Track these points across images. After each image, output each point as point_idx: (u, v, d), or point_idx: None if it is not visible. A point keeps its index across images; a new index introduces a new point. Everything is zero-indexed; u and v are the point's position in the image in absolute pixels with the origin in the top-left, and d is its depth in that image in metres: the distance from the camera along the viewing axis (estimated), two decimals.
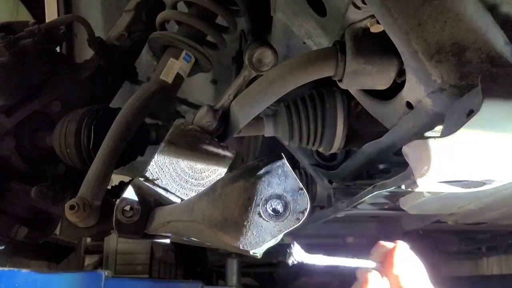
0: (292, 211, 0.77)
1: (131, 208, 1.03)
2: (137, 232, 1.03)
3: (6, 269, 1.99)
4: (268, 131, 1.40)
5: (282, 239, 0.82)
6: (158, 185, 1.06)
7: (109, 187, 1.25)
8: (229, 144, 1.18)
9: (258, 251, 0.80)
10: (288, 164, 0.80)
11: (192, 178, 1.09)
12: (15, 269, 2.03)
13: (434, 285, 1.16)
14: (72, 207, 1.04)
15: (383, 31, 0.94)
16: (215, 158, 1.12)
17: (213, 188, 0.84)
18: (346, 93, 1.35)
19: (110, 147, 1.13)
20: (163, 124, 1.39)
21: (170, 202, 1.05)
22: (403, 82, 0.98)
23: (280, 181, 0.78)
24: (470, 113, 0.81)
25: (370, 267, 1.13)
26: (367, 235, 2.79)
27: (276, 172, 0.79)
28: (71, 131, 1.25)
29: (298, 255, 0.96)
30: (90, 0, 1.99)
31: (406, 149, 0.85)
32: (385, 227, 2.69)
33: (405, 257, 1.16)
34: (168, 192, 1.07)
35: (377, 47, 1.00)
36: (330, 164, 1.71)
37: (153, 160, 1.07)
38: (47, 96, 1.35)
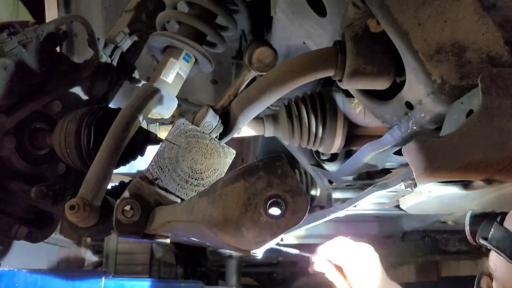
0: (291, 211, 0.77)
1: (131, 208, 1.03)
2: (137, 232, 1.03)
3: (6, 269, 1.99)
4: (268, 131, 1.40)
5: (281, 239, 0.82)
6: (158, 185, 1.06)
7: (109, 187, 1.25)
8: (229, 144, 1.18)
9: (258, 251, 0.80)
10: (288, 164, 0.81)
11: (192, 178, 1.09)
12: (15, 269, 2.03)
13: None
14: (72, 207, 1.04)
15: (383, 31, 0.94)
16: (215, 158, 1.12)
17: (213, 188, 0.84)
18: (346, 93, 1.35)
19: (110, 147, 1.13)
20: (163, 124, 1.39)
21: (170, 202, 1.06)
22: (403, 82, 0.98)
23: (280, 181, 0.78)
24: (470, 113, 0.81)
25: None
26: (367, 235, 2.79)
27: (276, 172, 0.79)
28: (71, 131, 1.25)
29: None
30: (90, 0, 1.99)
31: (406, 149, 0.85)
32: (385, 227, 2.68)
33: (345, 253, 1.26)
34: (168, 192, 1.07)
35: (377, 47, 1.00)
36: (330, 164, 1.71)
37: (153, 160, 1.07)
38: (47, 96, 1.35)
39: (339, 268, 1.32)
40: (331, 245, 1.34)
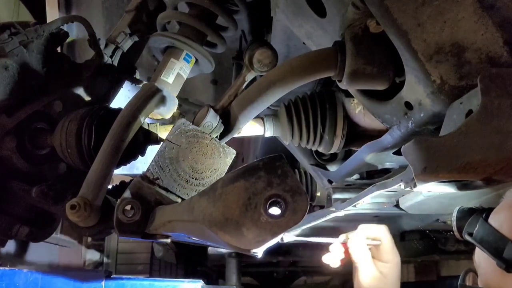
0: (291, 211, 0.77)
1: (132, 208, 1.03)
2: (137, 232, 1.04)
3: (6, 268, 1.99)
4: (268, 131, 1.40)
5: (281, 238, 0.82)
6: (158, 185, 1.07)
7: (109, 187, 1.25)
8: (229, 144, 1.19)
9: (258, 251, 0.80)
10: (287, 164, 0.81)
11: (192, 178, 1.09)
12: (16, 269, 2.03)
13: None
14: (73, 207, 1.04)
15: (383, 31, 0.94)
16: (216, 158, 1.12)
17: (214, 187, 0.84)
18: (346, 93, 1.35)
19: (111, 147, 1.13)
20: (163, 124, 1.39)
21: (171, 202, 1.06)
22: (403, 82, 0.98)
23: (280, 181, 0.79)
24: (469, 113, 0.82)
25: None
26: None
27: (276, 172, 0.80)
28: (72, 131, 1.25)
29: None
30: (91, 0, 1.99)
31: (405, 149, 0.85)
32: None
33: (359, 247, 1.24)
34: (169, 192, 1.07)
35: (377, 47, 1.00)
36: (330, 164, 1.72)
37: (153, 160, 1.08)
38: (48, 96, 1.36)
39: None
40: (371, 227, 1.27)
